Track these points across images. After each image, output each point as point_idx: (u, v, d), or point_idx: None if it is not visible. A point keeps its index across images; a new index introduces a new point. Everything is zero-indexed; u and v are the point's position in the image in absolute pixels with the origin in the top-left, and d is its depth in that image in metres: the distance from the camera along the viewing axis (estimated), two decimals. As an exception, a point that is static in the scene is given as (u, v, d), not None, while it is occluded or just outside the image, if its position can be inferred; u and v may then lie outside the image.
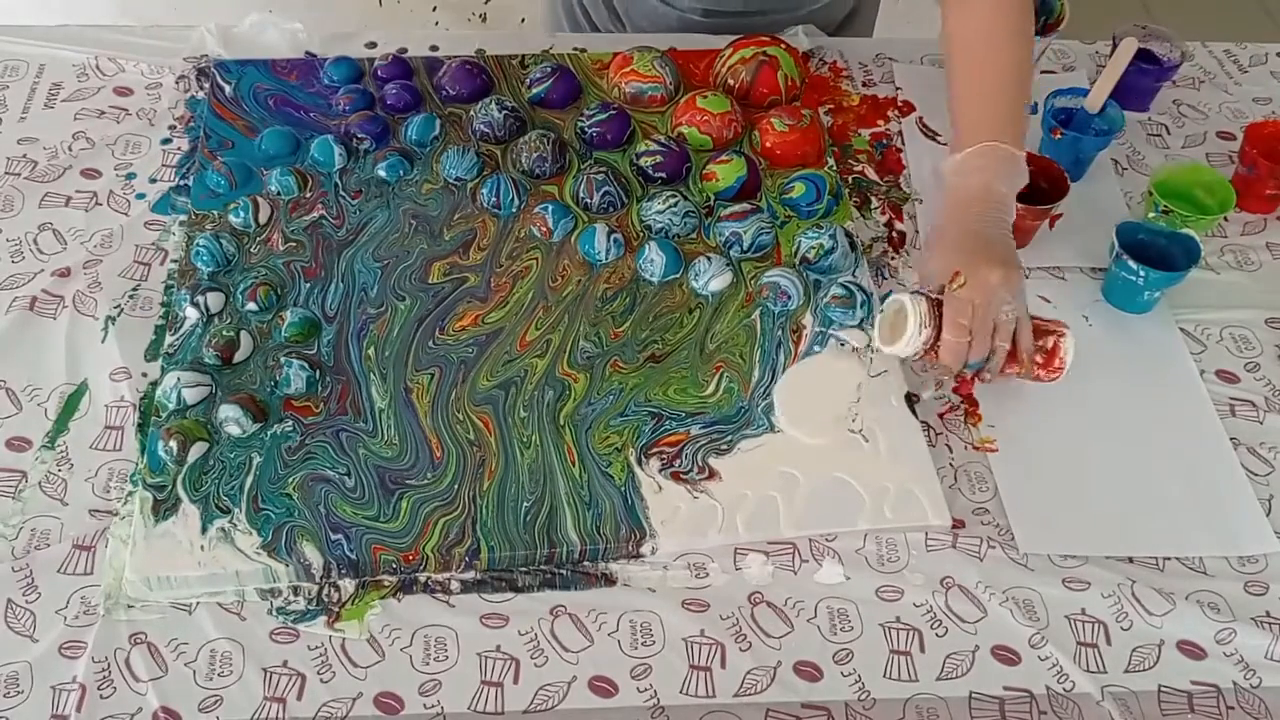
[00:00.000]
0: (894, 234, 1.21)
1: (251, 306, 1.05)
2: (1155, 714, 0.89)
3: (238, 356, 1.02)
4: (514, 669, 0.88)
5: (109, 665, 0.87)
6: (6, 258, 1.12)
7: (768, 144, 1.21)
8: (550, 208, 1.14)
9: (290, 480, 0.95)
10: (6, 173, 1.19)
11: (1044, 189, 1.19)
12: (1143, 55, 1.37)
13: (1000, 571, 0.95)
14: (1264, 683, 0.91)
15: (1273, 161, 1.24)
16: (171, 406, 0.98)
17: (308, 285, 1.08)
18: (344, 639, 0.89)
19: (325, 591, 0.91)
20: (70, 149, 1.22)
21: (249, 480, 0.95)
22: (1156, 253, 1.14)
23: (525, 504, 0.95)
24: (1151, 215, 1.19)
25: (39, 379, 1.02)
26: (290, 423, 0.98)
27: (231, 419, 0.97)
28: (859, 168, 1.27)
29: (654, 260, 1.10)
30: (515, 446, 0.98)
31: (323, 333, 1.05)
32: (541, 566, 0.93)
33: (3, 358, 1.04)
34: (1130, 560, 0.97)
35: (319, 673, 0.87)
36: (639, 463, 0.98)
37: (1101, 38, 1.44)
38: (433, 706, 0.86)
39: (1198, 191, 1.21)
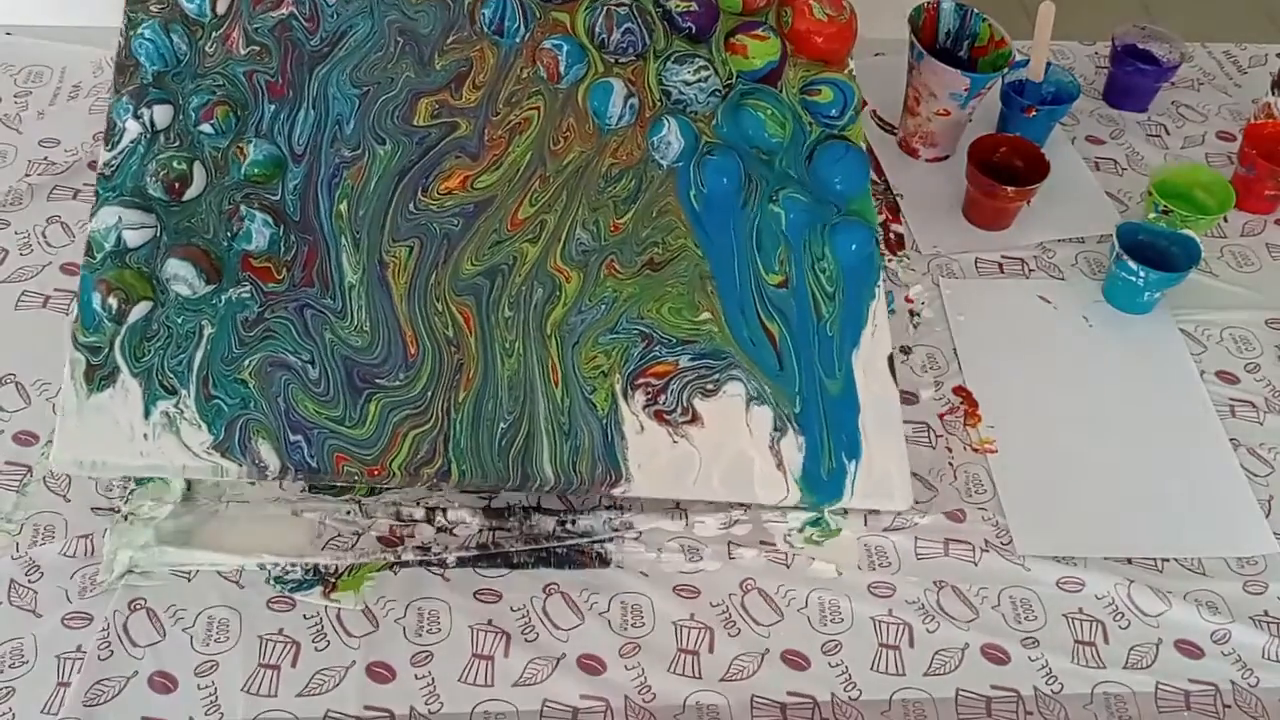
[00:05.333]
0: (891, 235, 1.19)
1: (206, 129, 0.90)
2: (1152, 712, 0.90)
3: (189, 193, 0.88)
4: (505, 643, 0.87)
5: (108, 629, 0.86)
6: (15, 250, 1.08)
7: (800, 27, 1.05)
8: (564, 46, 0.98)
9: (247, 364, 0.86)
10: (26, 174, 1.15)
11: (1020, 168, 1.20)
12: (1142, 56, 1.37)
13: (997, 570, 0.95)
14: (1261, 682, 0.92)
15: (1272, 162, 1.23)
16: (108, 248, 0.86)
17: (273, 107, 0.93)
18: (339, 609, 0.88)
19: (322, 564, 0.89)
20: (85, 146, 1.17)
21: (199, 355, 0.85)
22: (1157, 253, 1.13)
23: (502, 425, 0.88)
24: (1152, 216, 1.18)
25: (48, 373, 0.97)
26: (248, 287, 0.87)
27: (180, 277, 0.86)
28: None
29: (670, 143, 0.98)
30: (496, 353, 0.90)
31: (289, 175, 0.91)
32: (539, 547, 0.91)
33: (12, 351, 0.96)
34: (1129, 561, 0.97)
35: (314, 641, 0.87)
36: (624, 394, 0.91)
37: (1101, 38, 1.43)
38: (424, 677, 0.85)
39: (1197, 192, 1.21)
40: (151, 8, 0.93)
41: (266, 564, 0.89)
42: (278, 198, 0.90)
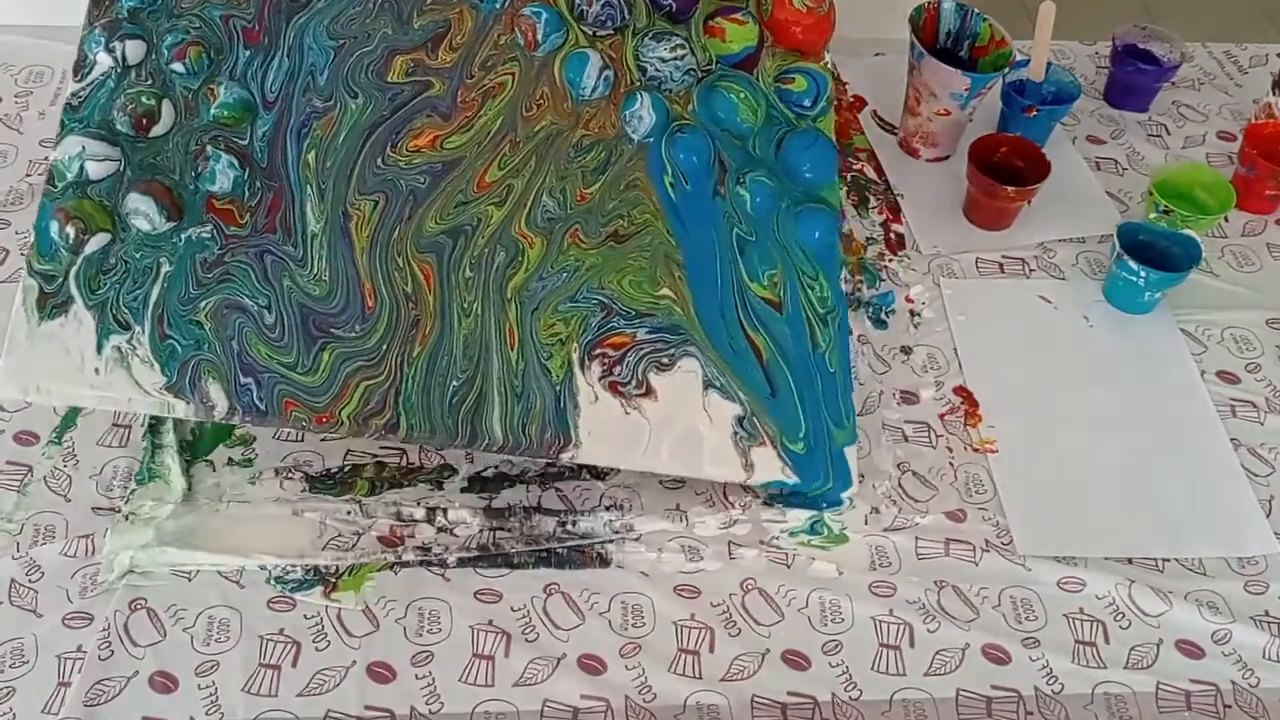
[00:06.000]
0: (891, 235, 1.20)
1: (178, 68, 0.90)
2: (1153, 713, 0.90)
3: (156, 130, 0.88)
4: (505, 643, 0.87)
5: (108, 629, 0.86)
6: (15, 250, 1.09)
7: (779, 16, 1.04)
8: (543, 14, 0.98)
9: (203, 305, 0.85)
10: (26, 174, 1.16)
11: (1021, 168, 1.20)
12: (1143, 56, 1.38)
13: (997, 570, 0.96)
14: (1262, 683, 0.91)
15: (1273, 162, 1.23)
16: (70, 178, 0.85)
17: (247, 53, 0.92)
18: (340, 609, 0.88)
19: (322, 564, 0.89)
20: None
21: (155, 292, 0.85)
22: (1157, 253, 1.13)
23: (454, 382, 0.89)
24: (1152, 216, 1.18)
25: None
26: (209, 228, 0.87)
27: (141, 211, 0.85)
28: (858, 166, 1.26)
29: (643, 117, 0.98)
30: (454, 312, 0.90)
31: (258, 121, 0.91)
32: (540, 547, 0.92)
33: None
34: (1129, 561, 0.98)
35: (314, 641, 0.87)
36: (581, 364, 0.92)
37: (1102, 38, 1.43)
38: (424, 677, 0.85)
39: (1198, 192, 1.21)
40: (133, -59, 0.92)
41: (267, 564, 0.89)
42: (246, 142, 0.90)
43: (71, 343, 0.83)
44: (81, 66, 0.89)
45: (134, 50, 0.89)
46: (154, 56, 0.90)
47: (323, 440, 0.96)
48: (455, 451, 0.97)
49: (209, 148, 0.88)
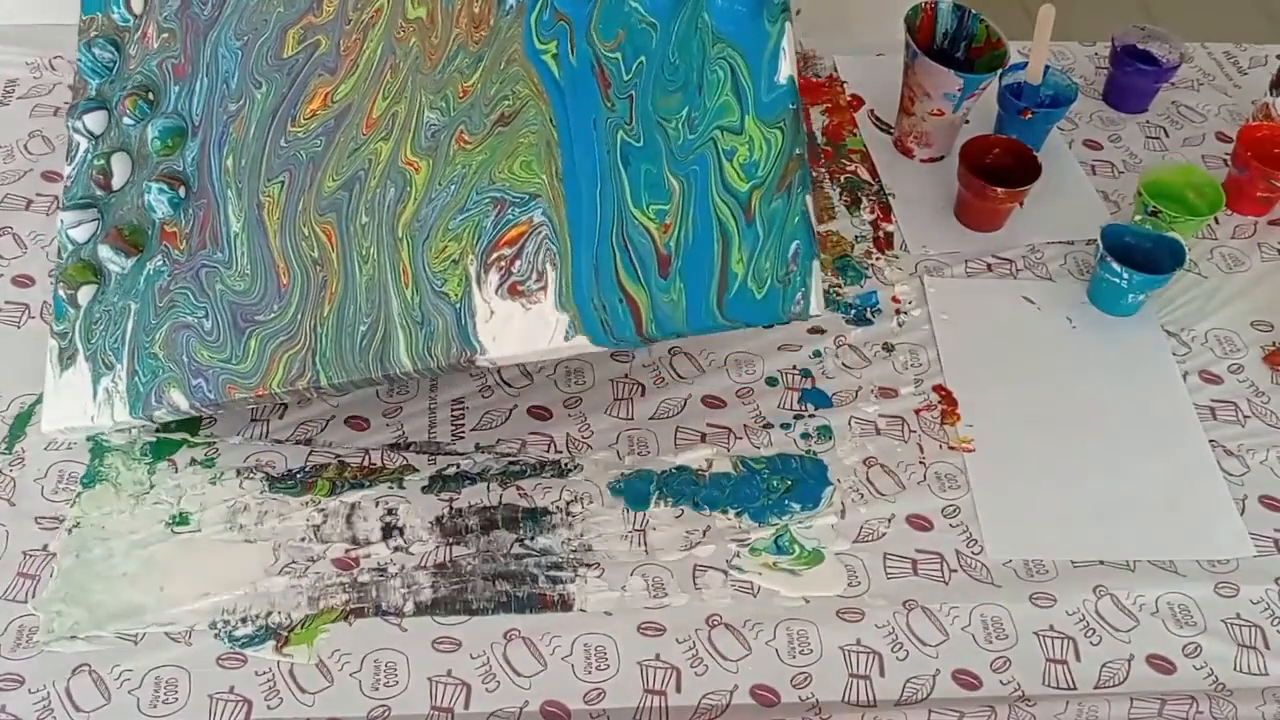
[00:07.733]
0: (880, 235, 1.19)
1: (128, 122, 0.99)
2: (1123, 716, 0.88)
3: (116, 183, 0.98)
4: (465, 694, 0.84)
5: (49, 696, 0.83)
6: None
7: None
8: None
9: (158, 336, 0.93)
10: None
11: (1013, 170, 1.18)
12: (1142, 57, 1.36)
13: (967, 589, 0.93)
14: (1231, 683, 0.89)
15: (1265, 164, 1.22)
16: (69, 247, 0.98)
17: (177, 88, 0.99)
18: (292, 664, 0.85)
19: (273, 616, 0.88)
20: (21, 143, 1.19)
21: (129, 329, 0.94)
22: (1142, 255, 1.12)
23: (361, 328, 0.88)
24: (1138, 218, 1.15)
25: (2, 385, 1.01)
26: (160, 257, 0.95)
27: (109, 258, 0.96)
28: (851, 168, 1.26)
29: (503, -19, 0.89)
30: (355, 261, 0.89)
31: (188, 146, 0.97)
32: (498, 588, 0.90)
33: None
34: (1101, 562, 0.95)
35: (266, 699, 0.83)
36: (478, 278, 0.85)
37: (1101, 39, 1.43)
38: None
39: (1188, 193, 1.19)
40: (92, 31, 1.04)
41: (217, 622, 0.87)
42: (181, 169, 0.96)
43: (80, 389, 0.94)
44: (69, 151, 1.02)
45: (94, 122, 1.00)
46: (113, 120, 1.01)
47: (295, 442, 0.97)
48: (419, 456, 0.97)
49: (145, 184, 0.96)
